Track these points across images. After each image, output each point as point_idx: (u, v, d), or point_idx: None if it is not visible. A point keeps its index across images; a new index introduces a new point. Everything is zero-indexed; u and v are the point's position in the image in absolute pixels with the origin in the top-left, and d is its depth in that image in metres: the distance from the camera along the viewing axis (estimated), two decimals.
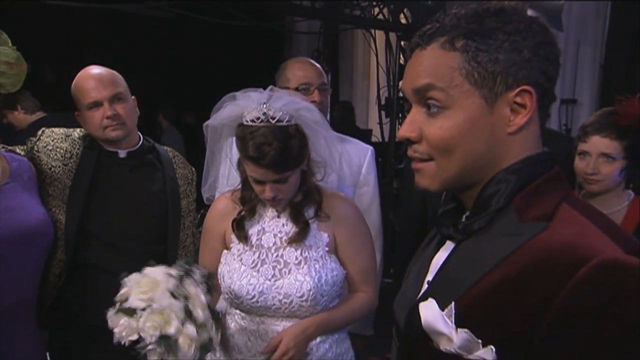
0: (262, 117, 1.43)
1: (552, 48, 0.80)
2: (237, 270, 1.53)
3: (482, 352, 0.75)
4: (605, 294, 0.67)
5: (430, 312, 0.81)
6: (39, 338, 1.71)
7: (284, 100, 1.46)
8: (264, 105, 1.43)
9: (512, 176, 0.80)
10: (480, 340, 0.75)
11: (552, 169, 0.83)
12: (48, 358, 1.82)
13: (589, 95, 4.93)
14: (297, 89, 1.92)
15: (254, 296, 1.50)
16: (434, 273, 0.89)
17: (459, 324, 0.78)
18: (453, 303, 0.79)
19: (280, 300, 1.50)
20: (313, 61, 2.09)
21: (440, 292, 0.83)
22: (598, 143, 1.77)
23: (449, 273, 0.85)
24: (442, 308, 0.80)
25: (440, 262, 0.89)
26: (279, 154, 1.40)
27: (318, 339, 1.55)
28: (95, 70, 1.83)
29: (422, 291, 0.90)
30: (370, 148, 2.09)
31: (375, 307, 1.68)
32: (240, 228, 1.57)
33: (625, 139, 1.74)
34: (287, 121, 1.44)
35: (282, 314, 1.52)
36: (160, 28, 5.53)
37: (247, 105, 1.46)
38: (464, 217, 0.89)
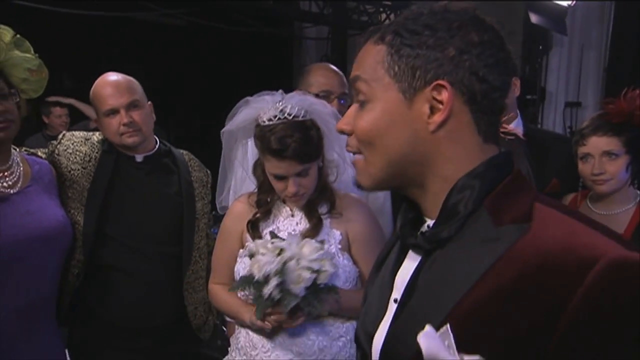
0: (279, 114, 1.48)
1: (492, 51, 0.76)
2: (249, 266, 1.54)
3: None
4: (624, 297, 0.63)
5: (432, 342, 0.70)
6: (58, 335, 1.73)
7: (297, 97, 1.52)
8: (280, 103, 1.48)
9: (476, 181, 0.76)
10: None
11: (513, 170, 0.79)
12: (67, 354, 1.84)
13: (593, 98, 4.89)
14: (317, 95, 1.90)
15: (268, 291, 1.51)
16: (401, 290, 0.81)
17: (458, 345, 0.69)
18: (448, 326, 0.70)
19: None
20: (337, 69, 2.06)
21: (423, 314, 0.75)
22: (598, 143, 1.76)
23: (427, 290, 0.77)
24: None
25: (408, 277, 0.81)
26: (300, 144, 1.45)
27: (332, 336, 1.55)
28: (113, 77, 1.84)
29: (391, 311, 0.83)
30: None
31: None
32: (255, 229, 1.60)
33: (623, 134, 1.73)
34: (302, 116, 1.49)
35: None
36: (173, 35, 5.58)
37: (262, 107, 1.51)
38: (425, 225, 0.83)
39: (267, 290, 1.40)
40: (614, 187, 1.78)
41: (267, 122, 1.48)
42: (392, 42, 0.78)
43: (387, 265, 0.88)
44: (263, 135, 1.48)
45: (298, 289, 1.41)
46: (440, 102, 0.75)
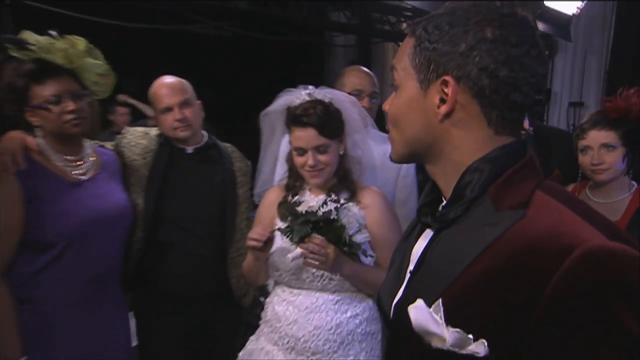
0: (307, 97, 1.53)
1: (504, 47, 0.70)
2: (279, 246, 1.55)
3: (474, 346, 0.67)
4: (594, 283, 0.60)
5: (420, 314, 0.71)
6: (123, 300, 1.80)
7: (325, 89, 1.58)
8: (309, 89, 1.56)
9: (487, 165, 0.73)
10: (471, 336, 0.67)
11: (525, 157, 0.74)
12: (131, 315, 1.91)
13: (595, 99, 4.78)
14: (350, 94, 1.87)
15: (291, 269, 1.52)
16: (414, 262, 0.81)
17: (447, 319, 0.69)
18: (440, 300, 0.70)
19: (313, 273, 1.51)
20: (369, 71, 2.05)
21: (425, 286, 0.74)
22: (596, 136, 1.73)
23: (431, 265, 0.76)
24: (428, 304, 0.71)
25: (420, 251, 0.80)
26: (321, 115, 1.50)
27: (349, 314, 1.54)
28: (168, 79, 1.88)
29: (405, 281, 0.82)
30: None
31: None
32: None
33: (620, 128, 1.71)
34: (327, 102, 1.54)
35: (315, 286, 1.53)
36: (220, 44, 5.65)
37: (297, 94, 1.56)
38: (440, 206, 0.81)
39: (328, 207, 1.51)
40: (611, 176, 1.75)
41: (297, 104, 1.55)
42: (419, 36, 0.76)
43: (410, 238, 0.87)
44: (290, 111, 1.54)
45: (348, 224, 1.50)
46: (447, 94, 0.73)
